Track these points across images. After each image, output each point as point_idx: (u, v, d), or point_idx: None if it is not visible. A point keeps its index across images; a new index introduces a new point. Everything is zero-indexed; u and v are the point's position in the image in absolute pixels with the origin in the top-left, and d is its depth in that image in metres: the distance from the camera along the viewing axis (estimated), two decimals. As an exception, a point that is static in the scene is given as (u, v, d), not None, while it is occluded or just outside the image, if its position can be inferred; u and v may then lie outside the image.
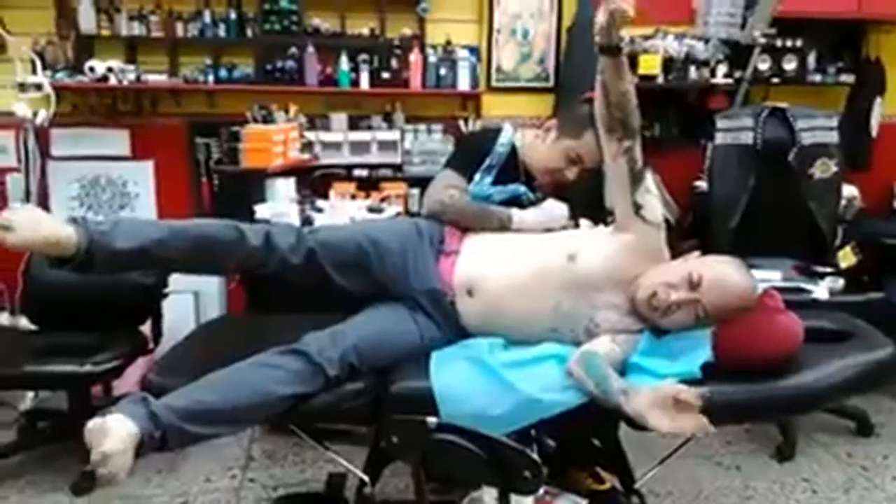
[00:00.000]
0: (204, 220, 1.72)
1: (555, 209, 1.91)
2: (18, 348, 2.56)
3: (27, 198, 3.24)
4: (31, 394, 3.01)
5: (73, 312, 2.59)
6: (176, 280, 2.68)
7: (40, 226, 1.43)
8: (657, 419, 1.38)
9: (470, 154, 2.03)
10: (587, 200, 2.13)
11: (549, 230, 1.84)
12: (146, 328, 2.66)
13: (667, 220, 1.72)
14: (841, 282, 2.71)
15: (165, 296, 2.69)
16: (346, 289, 1.72)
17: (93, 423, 1.34)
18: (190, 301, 3.38)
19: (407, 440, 1.49)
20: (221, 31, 3.52)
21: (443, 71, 3.69)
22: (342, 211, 2.90)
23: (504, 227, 1.84)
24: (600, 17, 1.48)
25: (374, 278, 1.72)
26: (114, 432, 1.32)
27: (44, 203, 3.37)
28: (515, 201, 1.94)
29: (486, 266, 1.69)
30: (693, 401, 1.35)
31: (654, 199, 1.63)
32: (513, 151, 2.02)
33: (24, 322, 2.83)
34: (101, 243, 1.47)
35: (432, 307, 1.68)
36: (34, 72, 3.15)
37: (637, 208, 1.61)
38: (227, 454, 2.67)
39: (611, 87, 1.56)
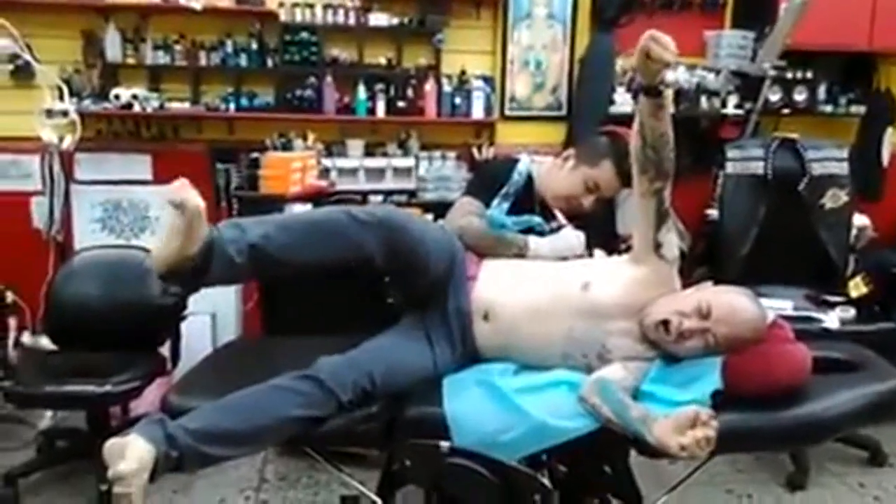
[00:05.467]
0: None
1: (571, 238, 1.94)
2: (39, 368, 2.62)
3: (51, 221, 3.32)
4: (49, 413, 3.06)
5: (94, 333, 2.65)
6: (193, 302, 2.73)
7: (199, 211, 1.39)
8: (677, 445, 1.36)
9: (488, 181, 2.07)
10: (600, 228, 2.16)
11: (563, 258, 1.87)
12: (164, 349, 2.71)
13: (680, 250, 1.74)
14: (852, 311, 2.71)
15: (184, 317, 2.73)
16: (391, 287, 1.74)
17: (111, 443, 1.36)
18: (207, 323, 3.42)
19: (419, 464, 1.52)
20: (243, 61, 3.62)
21: (457, 100, 3.77)
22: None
23: (521, 254, 1.87)
24: (635, 58, 1.45)
25: (425, 282, 1.69)
26: (131, 452, 1.34)
27: (67, 226, 3.45)
28: (531, 231, 1.97)
29: (503, 291, 1.71)
30: (711, 420, 1.36)
31: (673, 238, 1.65)
32: (529, 181, 2.06)
33: (45, 342, 2.88)
34: (219, 242, 1.43)
35: (457, 328, 1.69)
36: (61, 99, 3.23)
37: (657, 247, 1.64)
38: (241, 476, 2.69)
39: (647, 127, 1.54)
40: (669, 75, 3.73)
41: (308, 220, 1.63)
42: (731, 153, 3.13)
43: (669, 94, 1.41)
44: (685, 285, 1.70)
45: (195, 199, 1.38)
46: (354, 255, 1.57)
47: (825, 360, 1.65)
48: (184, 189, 1.38)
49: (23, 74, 3.46)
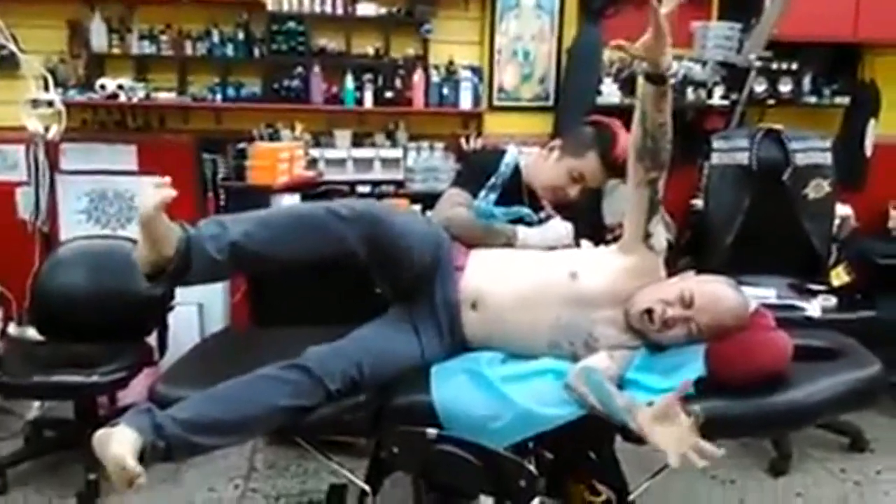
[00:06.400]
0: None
1: (560, 228, 1.96)
2: (26, 358, 2.62)
3: (36, 211, 3.30)
4: (37, 403, 3.05)
5: (81, 323, 2.65)
6: (180, 292, 2.72)
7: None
8: (658, 436, 1.39)
9: (475, 172, 2.09)
10: (587, 218, 2.18)
11: (552, 248, 1.89)
12: (152, 339, 2.71)
13: (668, 241, 1.76)
14: (833, 300, 2.76)
15: (171, 308, 2.73)
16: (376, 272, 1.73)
17: (99, 434, 1.36)
18: (194, 313, 3.42)
19: (407, 451, 1.53)
20: (229, 51, 3.60)
21: (445, 90, 3.76)
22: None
23: (509, 244, 1.89)
24: (640, 43, 1.47)
25: (410, 275, 1.70)
26: (120, 443, 1.34)
27: (53, 217, 3.43)
28: (519, 221, 1.99)
29: (491, 280, 1.72)
30: (681, 408, 1.38)
31: (662, 228, 1.68)
32: (516, 172, 2.07)
33: (31, 332, 2.87)
34: (197, 241, 1.45)
35: (445, 318, 1.70)
36: (46, 89, 3.21)
37: (647, 236, 1.66)
38: (230, 465, 2.71)
39: (649, 115, 1.56)
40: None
41: (289, 216, 1.65)
42: (716, 144, 3.16)
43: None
44: (670, 275, 1.72)
45: (146, 205, 1.40)
46: (336, 249, 1.59)
47: (806, 347, 1.67)
48: (145, 190, 1.42)
49: (7, 64, 3.42)
